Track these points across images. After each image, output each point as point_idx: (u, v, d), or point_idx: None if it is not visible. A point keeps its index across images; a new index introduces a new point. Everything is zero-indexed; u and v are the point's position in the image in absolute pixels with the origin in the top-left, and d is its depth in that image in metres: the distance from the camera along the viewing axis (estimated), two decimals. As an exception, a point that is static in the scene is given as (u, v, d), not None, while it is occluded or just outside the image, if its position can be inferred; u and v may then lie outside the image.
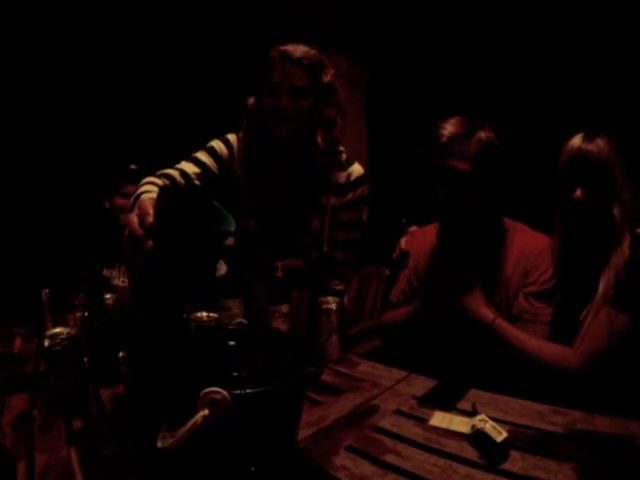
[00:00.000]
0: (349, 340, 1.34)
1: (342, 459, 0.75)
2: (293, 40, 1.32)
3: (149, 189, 1.17)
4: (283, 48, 1.29)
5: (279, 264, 1.22)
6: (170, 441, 0.54)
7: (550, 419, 0.85)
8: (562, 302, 1.22)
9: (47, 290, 1.25)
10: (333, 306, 1.21)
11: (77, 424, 0.89)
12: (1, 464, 0.73)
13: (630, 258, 1.08)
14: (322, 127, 1.34)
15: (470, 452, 0.75)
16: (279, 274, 1.22)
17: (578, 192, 1.13)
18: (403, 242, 1.56)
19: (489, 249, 1.32)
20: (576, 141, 1.14)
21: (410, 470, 0.71)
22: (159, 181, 1.25)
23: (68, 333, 0.96)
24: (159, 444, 0.55)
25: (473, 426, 0.78)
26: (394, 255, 1.58)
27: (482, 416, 0.79)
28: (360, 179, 1.43)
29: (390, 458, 0.74)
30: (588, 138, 1.13)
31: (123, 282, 2.14)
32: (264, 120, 1.33)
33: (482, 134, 1.21)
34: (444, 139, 1.20)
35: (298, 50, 1.29)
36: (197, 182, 1.33)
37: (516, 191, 1.54)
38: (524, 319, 1.23)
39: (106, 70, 2.75)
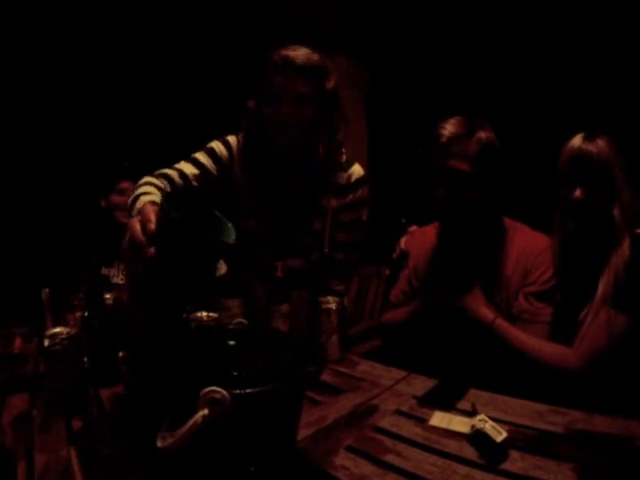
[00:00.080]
0: (349, 340, 1.34)
1: (342, 459, 0.75)
2: (294, 42, 1.29)
3: (148, 190, 1.16)
4: (284, 53, 1.25)
5: (279, 264, 1.22)
6: (170, 441, 0.54)
7: (550, 419, 0.85)
8: (562, 302, 1.22)
9: (47, 290, 1.25)
10: (333, 306, 1.21)
11: (77, 424, 0.89)
12: (1, 463, 0.73)
13: (630, 258, 1.08)
14: (324, 134, 1.32)
15: (470, 452, 0.75)
16: (279, 274, 1.22)
17: (578, 192, 1.13)
18: (403, 242, 1.56)
19: (489, 249, 1.32)
20: (576, 141, 1.14)
21: (410, 470, 0.71)
22: (157, 181, 1.23)
23: (68, 333, 0.96)
24: (159, 444, 0.55)
25: (473, 426, 0.78)
26: (394, 255, 1.58)
27: (482, 416, 0.79)
28: (360, 180, 1.42)
29: (390, 458, 0.74)
30: (588, 138, 1.13)
31: (122, 280, 2.14)
32: (264, 126, 1.31)
33: (482, 134, 1.21)
34: (444, 139, 1.20)
35: (300, 56, 1.24)
36: (195, 184, 1.31)
37: (516, 191, 1.54)
38: (524, 319, 1.23)
39: (106, 70, 2.75)
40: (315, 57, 1.27)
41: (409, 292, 1.47)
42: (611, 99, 2.29)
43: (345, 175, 1.40)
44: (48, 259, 2.15)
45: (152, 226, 0.78)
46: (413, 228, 1.61)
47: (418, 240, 1.51)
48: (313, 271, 1.38)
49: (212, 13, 2.89)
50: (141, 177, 1.27)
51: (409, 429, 0.84)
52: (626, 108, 2.20)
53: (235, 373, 0.75)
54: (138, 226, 0.80)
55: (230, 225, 0.83)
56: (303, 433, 0.80)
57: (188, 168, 1.33)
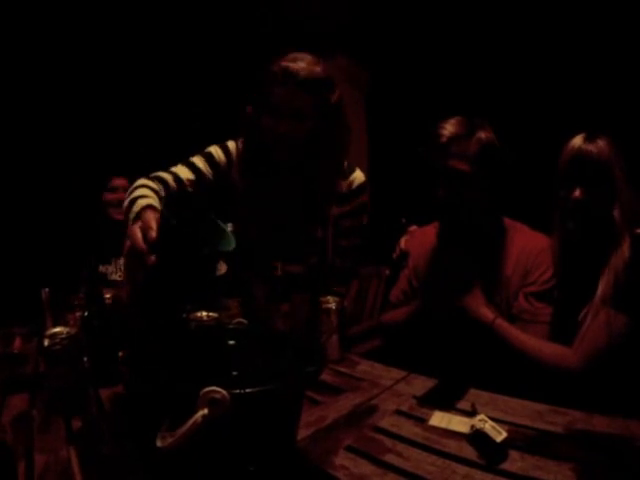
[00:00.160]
0: (349, 340, 1.34)
1: (341, 459, 0.75)
2: (295, 49, 1.23)
3: (144, 193, 1.13)
4: (284, 64, 1.19)
5: (279, 264, 1.22)
6: (169, 440, 0.54)
7: (550, 419, 0.85)
8: (562, 302, 1.22)
9: (47, 290, 1.25)
10: (333, 306, 1.21)
11: (77, 424, 0.89)
12: (1, 462, 0.73)
13: (630, 258, 1.08)
14: (325, 147, 1.28)
15: (469, 452, 0.75)
16: (278, 273, 1.22)
17: (578, 192, 1.13)
18: (403, 242, 1.56)
19: (489, 249, 1.32)
20: (577, 141, 1.14)
21: (409, 470, 0.71)
22: (154, 184, 1.20)
23: (68, 333, 0.96)
24: (158, 444, 0.55)
25: (472, 426, 0.78)
26: (394, 255, 1.58)
27: (482, 416, 0.79)
28: (361, 187, 1.40)
29: (389, 458, 0.74)
30: (589, 138, 1.13)
31: (120, 277, 2.14)
32: (263, 137, 1.26)
33: (482, 134, 1.21)
34: (444, 139, 1.20)
35: (302, 70, 1.18)
36: (190, 189, 1.28)
37: (516, 191, 1.54)
38: (524, 319, 1.23)
39: (106, 70, 2.75)
40: (318, 69, 1.21)
41: (409, 292, 1.47)
42: (611, 99, 2.29)
43: (346, 182, 1.38)
44: (48, 259, 2.15)
45: (153, 234, 0.78)
46: (413, 228, 1.61)
47: (418, 240, 1.51)
48: (312, 276, 1.37)
49: (212, 13, 2.89)
50: (133, 175, 1.25)
51: (409, 429, 0.84)
52: (626, 108, 2.20)
53: (235, 373, 0.75)
54: (139, 234, 0.80)
55: (229, 233, 0.83)
56: (303, 433, 0.80)
57: (184, 172, 1.29)
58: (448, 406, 0.92)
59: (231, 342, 0.80)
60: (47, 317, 1.24)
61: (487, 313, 1.18)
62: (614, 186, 1.12)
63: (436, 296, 1.27)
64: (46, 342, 0.95)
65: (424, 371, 1.11)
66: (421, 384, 1.05)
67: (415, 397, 0.98)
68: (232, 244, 0.81)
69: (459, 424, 0.84)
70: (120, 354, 1.04)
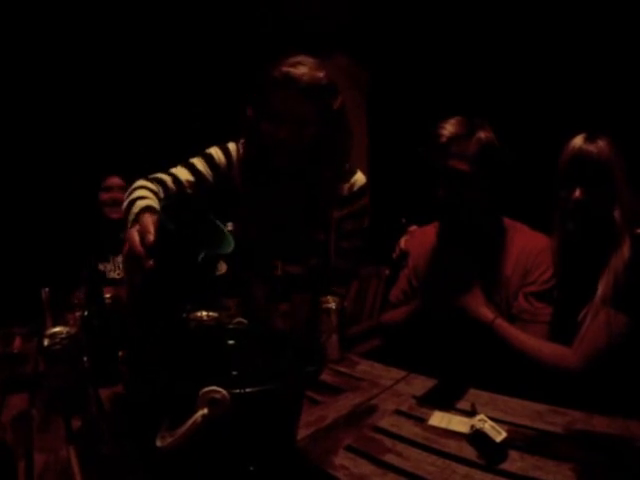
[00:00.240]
0: (349, 340, 1.34)
1: (341, 459, 0.75)
2: (296, 51, 1.20)
3: (143, 194, 1.12)
4: (286, 69, 1.15)
5: (278, 263, 1.22)
6: (169, 440, 0.54)
7: (549, 419, 0.85)
8: (562, 302, 1.22)
9: (47, 289, 1.25)
10: (333, 306, 1.21)
11: (76, 423, 0.89)
12: (1, 460, 0.73)
13: (630, 259, 1.08)
14: (327, 153, 1.26)
15: (469, 452, 0.75)
16: (278, 273, 1.22)
17: (577, 193, 1.13)
18: (403, 242, 1.56)
19: (489, 249, 1.32)
20: (577, 141, 1.14)
21: (409, 470, 0.71)
22: (152, 186, 1.19)
23: (68, 332, 0.96)
24: (158, 443, 0.55)
25: (472, 426, 0.78)
26: (394, 255, 1.58)
27: (481, 416, 0.79)
28: (363, 189, 1.39)
29: (389, 458, 0.74)
30: (589, 139, 1.13)
31: (118, 275, 2.14)
32: (263, 142, 1.24)
33: (482, 134, 1.21)
34: (444, 139, 1.20)
35: (304, 76, 1.14)
36: (189, 191, 1.26)
37: (516, 191, 1.54)
38: (524, 319, 1.23)
39: (106, 70, 2.75)
40: (320, 75, 1.18)
41: (409, 292, 1.47)
42: (611, 99, 2.29)
43: (347, 185, 1.37)
44: (48, 259, 2.15)
45: (151, 237, 0.78)
46: (413, 228, 1.61)
47: (418, 240, 1.51)
48: (312, 276, 1.37)
49: (212, 13, 2.89)
50: (133, 175, 1.24)
51: (409, 429, 0.84)
52: (626, 108, 2.20)
53: (235, 373, 0.75)
54: (137, 237, 0.80)
55: (228, 234, 0.83)
56: (303, 433, 0.80)
57: (183, 174, 1.28)
58: (448, 406, 0.92)
59: (231, 342, 0.80)
60: (47, 317, 1.24)
61: (487, 313, 1.18)
62: (614, 186, 1.12)
63: (436, 296, 1.27)
64: (46, 342, 0.95)
65: (424, 371, 1.11)
66: (421, 384, 1.05)
67: (415, 397, 0.98)
68: (231, 245, 0.81)
69: (459, 424, 0.84)
70: (120, 354, 1.04)
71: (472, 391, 0.99)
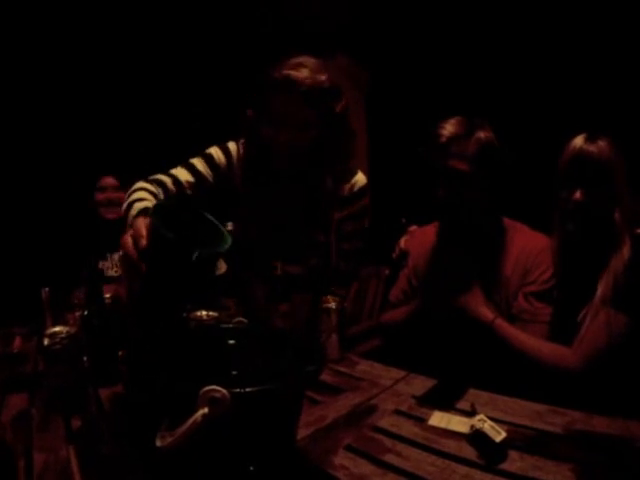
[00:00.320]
0: (349, 340, 1.34)
1: (341, 459, 0.75)
2: (297, 51, 1.18)
3: (141, 196, 1.12)
4: (287, 72, 1.13)
5: (278, 263, 1.22)
6: (169, 440, 0.54)
7: (549, 419, 0.85)
8: (562, 302, 1.22)
9: (47, 289, 1.25)
10: (333, 305, 1.21)
11: (76, 423, 0.89)
12: (1, 459, 0.73)
13: (630, 259, 1.08)
14: (329, 155, 1.25)
15: (469, 452, 0.75)
16: (278, 272, 1.22)
17: (578, 194, 1.13)
18: (403, 242, 1.57)
19: (489, 249, 1.32)
20: (578, 142, 1.14)
21: (409, 470, 0.71)
22: (152, 187, 1.19)
23: (67, 332, 0.97)
24: (158, 443, 0.55)
25: (472, 426, 0.78)
26: (394, 255, 1.58)
27: (481, 416, 0.79)
28: (363, 189, 1.39)
29: (389, 458, 0.74)
30: (590, 139, 1.13)
31: (116, 272, 2.14)
32: (263, 142, 1.23)
33: (481, 134, 1.21)
34: (443, 139, 1.20)
35: (306, 79, 1.12)
36: (189, 191, 1.26)
37: (516, 191, 1.54)
38: (524, 319, 1.23)
39: (106, 70, 2.74)
40: (322, 78, 1.15)
41: (409, 292, 1.47)
42: (611, 99, 2.29)
43: (348, 186, 1.37)
44: (47, 259, 2.15)
45: (143, 242, 0.77)
46: (413, 228, 1.61)
47: (418, 240, 1.51)
48: (313, 277, 1.37)
49: (212, 13, 2.89)
50: (133, 175, 1.24)
51: (408, 429, 0.84)
52: (627, 109, 2.20)
53: (235, 372, 0.75)
54: (130, 242, 0.79)
55: (225, 231, 0.82)
56: (302, 433, 0.80)
57: (183, 175, 1.27)
58: (447, 406, 0.92)
59: (231, 341, 0.80)
60: (47, 316, 1.24)
61: (487, 313, 1.18)
62: (615, 187, 1.12)
63: (436, 296, 1.27)
64: (46, 341, 0.95)
65: (424, 371, 1.11)
66: (420, 384, 1.05)
67: (415, 397, 0.98)
68: (228, 243, 0.80)
69: (458, 424, 0.84)
70: (120, 353, 1.04)
71: (472, 391, 0.99)
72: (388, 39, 3.30)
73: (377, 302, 2.53)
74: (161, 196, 1.20)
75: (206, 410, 0.53)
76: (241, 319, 0.88)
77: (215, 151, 1.34)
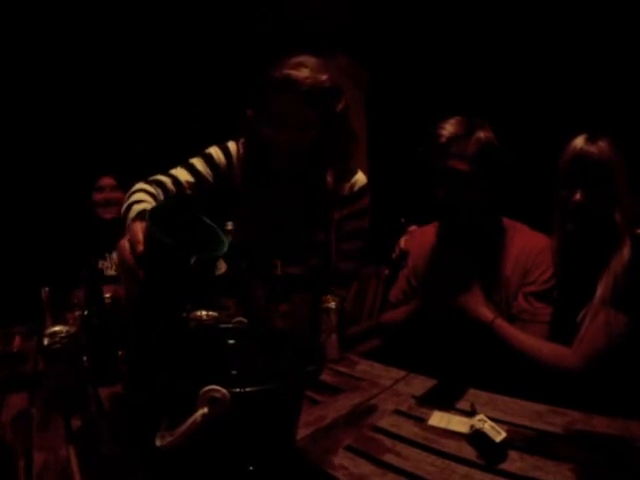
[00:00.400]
0: (348, 340, 1.33)
1: (341, 458, 0.75)
2: (297, 50, 1.17)
3: (141, 198, 1.12)
4: (287, 72, 1.12)
5: (278, 262, 1.22)
6: (169, 440, 0.54)
7: (549, 419, 0.85)
8: (561, 302, 1.22)
9: (46, 289, 1.25)
10: (332, 305, 1.21)
11: (76, 423, 0.89)
12: (1, 459, 0.73)
13: (630, 259, 1.08)
14: (329, 155, 1.25)
15: (469, 452, 0.75)
16: (278, 272, 1.22)
17: (578, 195, 1.13)
18: (402, 242, 1.57)
19: (489, 249, 1.32)
20: (578, 142, 1.14)
21: (409, 470, 0.70)
22: (151, 188, 1.19)
23: (67, 332, 0.97)
24: (158, 443, 0.55)
25: (472, 426, 0.78)
26: (393, 255, 1.58)
27: (481, 416, 0.79)
28: (363, 189, 1.38)
29: (389, 458, 0.74)
30: (590, 139, 1.13)
31: (116, 272, 2.14)
32: (263, 142, 1.22)
33: (481, 134, 1.21)
34: (443, 139, 1.20)
35: (307, 79, 1.11)
36: (189, 191, 1.26)
37: (516, 191, 1.54)
38: (523, 319, 1.23)
39: (106, 70, 2.74)
40: (323, 78, 1.14)
41: (408, 292, 1.47)
42: (612, 100, 2.29)
43: (348, 185, 1.36)
44: (47, 258, 2.15)
45: (140, 247, 0.76)
46: (413, 228, 1.61)
47: (418, 240, 1.51)
48: (313, 277, 1.36)
49: (212, 13, 2.88)
50: (133, 175, 1.24)
51: (408, 429, 0.84)
52: (627, 109, 2.20)
53: (234, 372, 0.75)
54: (127, 247, 0.79)
55: (223, 235, 0.82)
56: (302, 432, 0.80)
57: (183, 175, 1.27)
58: (447, 406, 0.92)
59: (231, 341, 0.80)
60: (47, 316, 1.24)
61: (486, 313, 1.18)
62: (615, 187, 1.12)
63: (435, 296, 1.27)
64: (46, 341, 0.95)
65: (423, 371, 1.11)
66: (420, 384, 1.05)
67: (414, 397, 0.98)
68: (225, 246, 0.80)
69: (458, 424, 0.84)
70: (120, 353, 1.04)
71: (472, 391, 0.99)
72: (388, 39, 3.30)
73: (377, 302, 2.53)
74: (161, 197, 1.19)
75: (206, 410, 0.53)
76: (241, 319, 0.88)
77: (215, 151, 1.34)
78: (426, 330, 1.31)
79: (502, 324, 1.17)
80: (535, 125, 2.51)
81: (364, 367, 1.19)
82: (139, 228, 0.79)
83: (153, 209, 0.81)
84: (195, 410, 0.53)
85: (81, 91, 2.69)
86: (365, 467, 0.72)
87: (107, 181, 2.23)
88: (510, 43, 2.69)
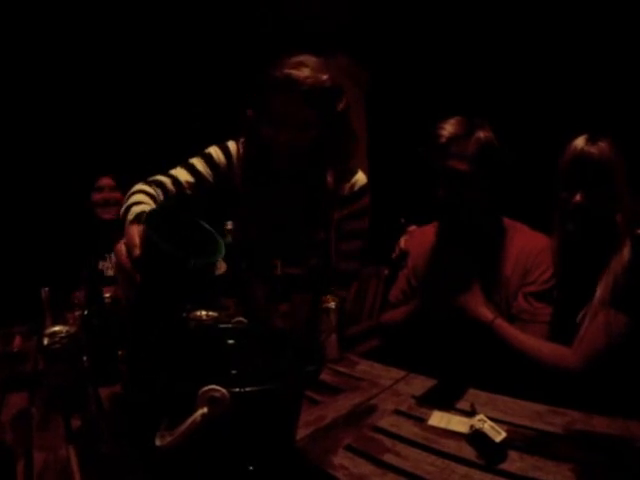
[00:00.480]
0: (348, 340, 1.33)
1: (341, 458, 0.75)
2: (297, 50, 1.16)
3: (139, 199, 1.11)
4: (287, 71, 1.11)
5: (278, 262, 1.22)
6: (169, 439, 0.54)
7: (549, 419, 0.85)
8: (561, 302, 1.22)
9: (46, 289, 1.25)
10: (332, 305, 1.21)
11: (76, 422, 0.89)
12: (0, 458, 0.73)
13: (630, 259, 1.08)
14: (330, 154, 1.24)
15: (468, 452, 0.75)
16: (278, 272, 1.21)
17: (578, 197, 1.13)
18: (402, 242, 1.56)
19: (489, 249, 1.32)
20: (579, 143, 1.14)
21: (409, 470, 0.71)
22: (150, 189, 1.18)
23: (67, 331, 0.97)
24: (157, 442, 0.55)
25: (472, 426, 0.78)
26: (393, 255, 1.58)
27: (481, 416, 0.79)
28: (363, 189, 1.38)
29: (389, 458, 0.74)
30: (591, 140, 1.13)
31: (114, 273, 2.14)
32: (263, 142, 1.22)
33: (481, 134, 1.21)
34: (443, 139, 1.20)
35: (307, 79, 1.10)
36: (189, 192, 1.26)
37: (516, 191, 1.53)
38: (523, 319, 1.23)
39: (106, 70, 2.74)
40: (324, 77, 1.13)
41: (408, 292, 1.47)
42: (612, 100, 2.29)
43: (348, 185, 1.36)
44: (47, 258, 2.15)
45: (137, 251, 0.76)
46: (412, 228, 1.61)
47: (417, 240, 1.51)
48: (312, 277, 1.36)
49: (212, 13, 2.89)
50: (133, 175, 1.23)
51: (408, 429, 0.84)
52: (627, 109, 2.20)
53: (234, 372, 0.75)
54: (124, 251, 0.79)
55: (220, 239, 0.82)
56: (302, 432, 0.80)
57: (183, 175, 1.27)
58: (447, 406, 0.92)
59: (230, 341, 0.80)
60: (47, 316, 1.24)
61: (486, 313, 1.18)
62: (615, 188, 1.12)
63: (435, 296, 1.27)
64: (46, 341, 0.95)
65: (423, 371, 1.11)
66: (420, 384, 1.05)
67: (414, 397, 0.98)
68: (222, 251, 0.80)
69: (458, 424, 0.84)
70: (119, 353, 1.04)
71: (471, 391, 0.99)
72: (388, 39, 3.30)
73: (377, 302, 2.53)
74: (160, 197, 1.19)
75: (205, 410, 0.53)
76: (241, 319, 0.88)
77: (215, 150, 1.34)
78: (426, 330, 1.31)
79: (502, 324, 1.16)
80: (535, 125, 2.51)
81: (364, 367, 1.19)
82: (136, 232, 0.78)
83: (150, 212, 0.80)
84: (195, 410, 0.53)
85: (81, 91, 2.69)
86: (365, 467, 0.72)
87: (106, 181, 2.23)
88: (510, 43, 2.69)
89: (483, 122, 1.24)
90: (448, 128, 1.21)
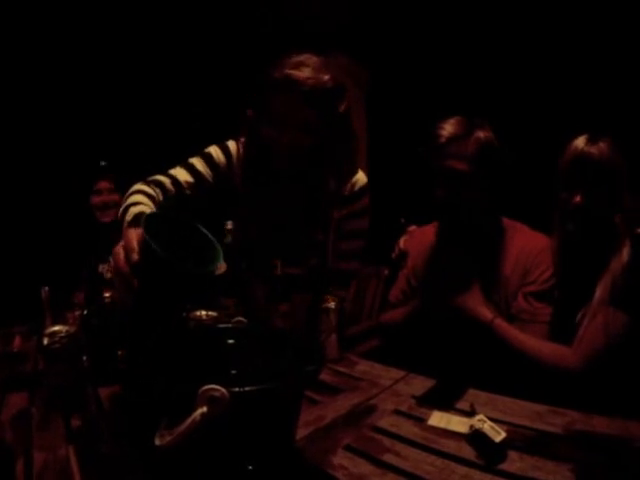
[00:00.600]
0: (348, 340, 1.33)
1: (340, 458, 0.75)
2: (298, 49, 1.15)
3: (138, 200, 1.10)
4: (288, 72, 1.10)
5: (278, 262, 1.22)
6: (168, 439, 0.54)
7: (549, 419, 0.85)
8: (561, 302, 1.22)
9: (46, 288, 1.25)
10: (332, 305, 1.21)
11: (76, 422, 0.89)
12: (0, 458, 0.73)
13: (630, 259, 1.08)
14: (330, 155, 1.24)
15: (468, 452, 0.75)
16: (278, 272, 1.21)
17: (578, 197, 1.13)
18: (402, 242, 1.56)
19: (488, 249, 1.32)
20: (579, 143, 1.14)
21: (408, 470, 0.70)
22: (149, 189, 1.18)
23: (67, 331, 0.97)
24: (157, 442, 0.55)
25: (471, 426, 0.78)
26: (393, 255, 1.58)
27: (480, 416, 0.79)
28: (364, 189, 1.38)
29: (388, 458, 0.74)
30: (591, 140, 1.13)
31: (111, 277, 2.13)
32: (264, 143, 1.21)
33: (480, 134, 1.21)
34: (442, 139, 1.20)
35: (308, 79, 1.09)
36: (188, 192, 1.25)
37: (516, 191, 1.54)
38: (523, 319, 1.23)
39: (106, 70, 2.75)
40: (325, 78, 1.12)
41: (408, 292, 1.47)
42: (612, 100, 2.29)
43: (348, 185, 1.36)
44: (48, 258, 2.15)
45: (135, 256, 0.75)
46: (412, 228, 1.61)
47: (417, 240, 1.51)
48: (312, 277, 1.36)
49: (212, 13, 2.89)
50: (132, 175, 1.23)
51: (408, 429, 0.84)
52: (627, 109, 2.20)
53: (234, 372, 0.75)
54: (122, 255, 0.78)
55: (218, 246, 0.82)
56: (301, 432, 0.80)
57: (182, 175, 1.26)
58: (447, 406, 0.92)
59: (230, 341, 0.80)
60: (46, 316, 1.24)
61: (486, 313, 1.18)
62: (615, 189, 1.12)
63: (435, 296, 1.27)
64: (45, 340, 0.95)
65: (423, 371, 1.11)
66: (420, 384, 1.05)
67: (414, 397, 0.98)
68: (220, 258, 0.80)
69: (458, 424, 0.84)
70: (119, 353, 1.04)
71: (471, 391, 0.99)
72: (388, 39, 3.30)
73: (377, 302, 2.53)
74: (159, 197, 1.19)
75: (205, 409, 0.53)
76: (241, 319, 0.88)
77: (214, 150, 1.33)
78: (426, 330, 1.31)
79: (502, 324, 1.16)
80: (535, 125, 2.51)
81: (364, 367, 1.19)
82: (134, 235, 0.77)
83: (148, 217, 0.79)
84: (194, 409, 0.53)
85: (81, 92, 2.69)
86: (364, 467, 0.72)
87: (104, 184, 2.23)
88: (510, 43, 2.70)
89: (483, 122, 1.24)
90: (448, 128, 1.21)
